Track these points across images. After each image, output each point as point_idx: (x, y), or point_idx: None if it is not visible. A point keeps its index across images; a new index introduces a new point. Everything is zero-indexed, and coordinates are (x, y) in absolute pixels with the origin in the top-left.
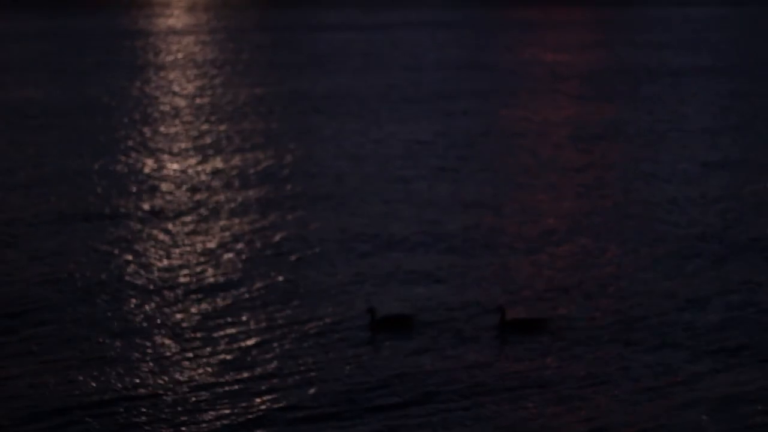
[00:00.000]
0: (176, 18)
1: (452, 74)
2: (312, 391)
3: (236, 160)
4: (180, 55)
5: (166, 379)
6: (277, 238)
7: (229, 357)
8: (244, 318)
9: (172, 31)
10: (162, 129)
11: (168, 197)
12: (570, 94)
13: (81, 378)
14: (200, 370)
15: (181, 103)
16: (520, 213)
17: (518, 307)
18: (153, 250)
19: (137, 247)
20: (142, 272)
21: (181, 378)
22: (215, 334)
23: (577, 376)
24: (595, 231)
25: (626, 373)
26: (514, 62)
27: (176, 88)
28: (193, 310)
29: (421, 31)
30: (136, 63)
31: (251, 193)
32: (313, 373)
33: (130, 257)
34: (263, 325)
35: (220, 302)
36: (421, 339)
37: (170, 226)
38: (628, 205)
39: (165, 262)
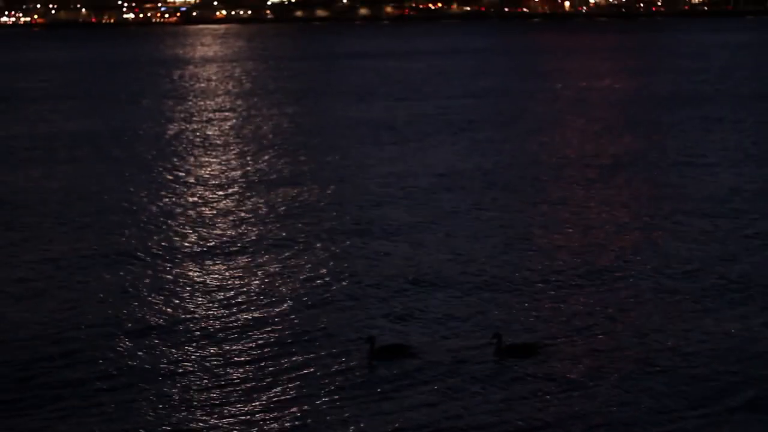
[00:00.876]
0: (212, 46)
1: (483, 101)
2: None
3: (273, 191)
4: (216, 83)
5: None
6: (308, 270)
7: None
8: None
9: (209, 59)
10: (199, 158)
11: (203, 229)
12: (601, 121)
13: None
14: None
15: (216, 131)
16: (543, 245)
17: (516, 334)
18: (183, 285)
19: (173, 283)
20: (184, 309)
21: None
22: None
23: (568, 405)
24: (609, 266)
25: (611, 399)
26: (544, 89)
27: (212, 116)
28: (228, 347)
29: (453, 58)
30: (173, 91)
31: (287, 224)
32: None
33: (172, 293)
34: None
35: (253, 339)
36: (420, 367)
37: (206, 261)
38: (648, 234)
39: (195, 298)
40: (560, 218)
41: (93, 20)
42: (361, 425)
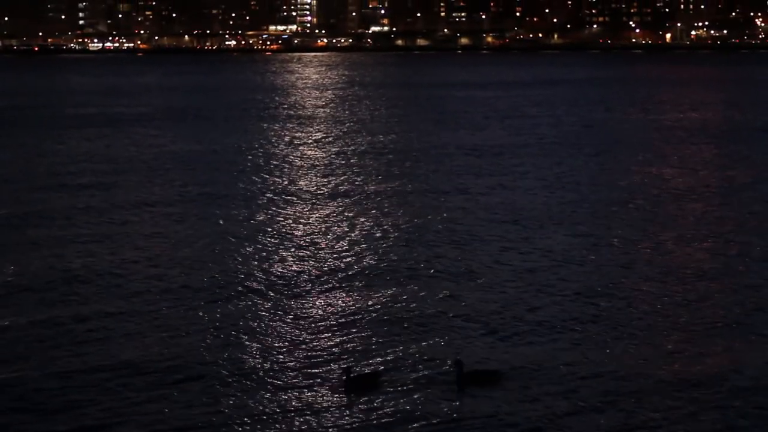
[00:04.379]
0: (313, 73)
1: (578, 131)
2: None
3: (367, 212)
4: (316, 109)
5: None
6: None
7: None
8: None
9: (310, 86)
10: (299, 180)
11: (300, 250)
12: (696, 152)
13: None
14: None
15: (315, 154)
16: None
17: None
18: (277, 313)
19: (272, 313)
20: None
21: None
22: None
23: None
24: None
25: (578, 423)
26: (642, 119)
27: (312, 141)
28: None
29: (552, 88)
30: (273, 116)
31: (375, 256)
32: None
33: (270, 322)
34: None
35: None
36: (390, 394)
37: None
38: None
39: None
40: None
41: (196, 47)
42: None
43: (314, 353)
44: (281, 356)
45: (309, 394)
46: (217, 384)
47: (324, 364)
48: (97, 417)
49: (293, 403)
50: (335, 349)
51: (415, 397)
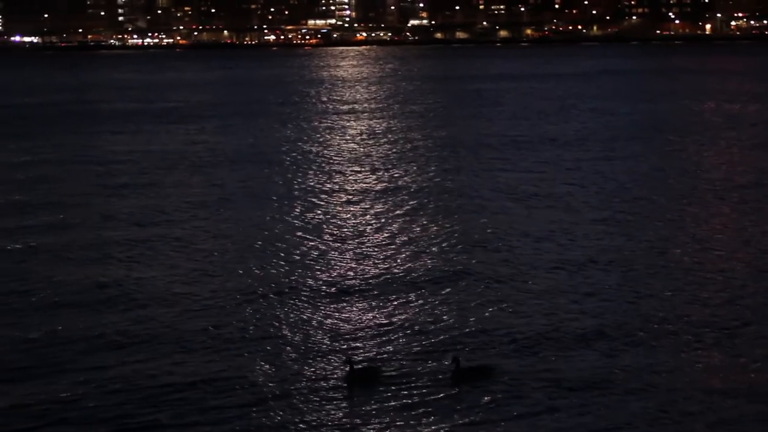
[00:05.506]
0: (353, 67)
1: (617, 121)
2: None
3: (396, 210)
4: (356, 103)
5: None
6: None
7: None
8: None
9: (350, 80)
10: (339, 173)
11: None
12: (735, 140)
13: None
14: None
15: (355, 147)
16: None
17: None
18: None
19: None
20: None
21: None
22: None
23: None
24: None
25: (569, 419)
26: (680, 109)
27: (352, 133)
28: None
29: (592, 80)
30: (313, 109)
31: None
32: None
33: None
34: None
35: None
36: (389, 389)
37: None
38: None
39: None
40: (682, 235)
41: (235, 42)
42: None
43: (319, 345)
44: (288, 347)
45: (312, 383)
46: (219, 356)
47: (328, 355)
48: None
49: (297, 392)
50: (340, 342)
51: (413, 390)
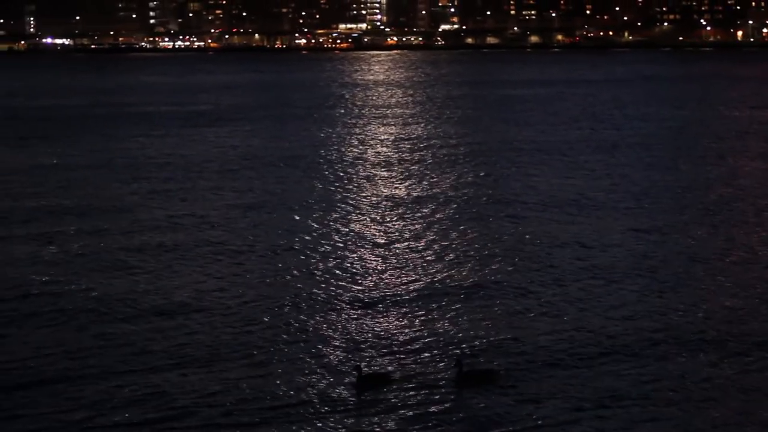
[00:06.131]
0: (383, 71)
1: (646, 127)
2: None
3: (438, 210)
4: (386, 108)
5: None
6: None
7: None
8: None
9: (381, 84)
10: (370, 177)
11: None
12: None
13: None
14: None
15: (385, 152)
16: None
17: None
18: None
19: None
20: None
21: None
22: None
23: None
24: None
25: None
26: (710, 116)
27: (382, 138)
28: None
29: (623, 86)
30: (342, 113)
31: (454, 242)
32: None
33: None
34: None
35: None
36: (397, 393)
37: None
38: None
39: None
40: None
41: (266, 45)
42: None
43: (328, 350)
44: (296, 352)
45: (322, 389)
46: (227, 373)
47: (337, 361)
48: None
49: (307, 398)
50: (350, 347)
51: (420, 395)
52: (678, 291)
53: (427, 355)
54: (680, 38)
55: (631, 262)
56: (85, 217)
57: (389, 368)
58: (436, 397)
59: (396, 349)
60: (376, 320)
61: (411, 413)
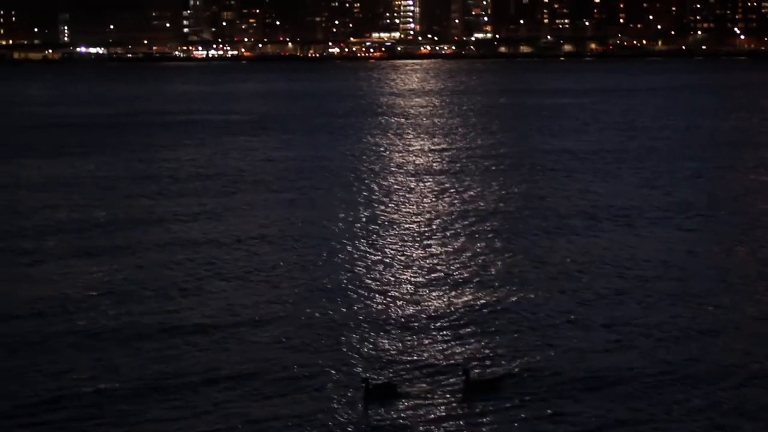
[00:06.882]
0: (413, 80)
1: (676, 136)
2: None
3: (472, 216)
4: (420, 117)
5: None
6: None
7: None
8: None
9: (411, 93)
10: (403, 186)
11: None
12: None
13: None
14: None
15: (413, 161)
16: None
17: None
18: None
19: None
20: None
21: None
22: None
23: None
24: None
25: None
26: (740, 126)
27: (410, 147)
28: None
29: (656, 95)
30: (376, 122)
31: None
32: None
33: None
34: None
35: None
36: (405, 403)
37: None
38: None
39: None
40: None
41: (300, 54)
42: None
43: (335, 362)
44: (308, 365)
45: (330, 400)
46: (238, 389)
47: (345, 373)
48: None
49: (316, 408)
50: (358, 359)
51: (427, 405)
52: (706, 314)
53: (435, 366)
54: (714, 47)
55: (660, 279)
56: (118, 230)
57: (397, 380)
58: (443, 407)
59: (404, 359)
60: (403, 334)
61: (419, 424)
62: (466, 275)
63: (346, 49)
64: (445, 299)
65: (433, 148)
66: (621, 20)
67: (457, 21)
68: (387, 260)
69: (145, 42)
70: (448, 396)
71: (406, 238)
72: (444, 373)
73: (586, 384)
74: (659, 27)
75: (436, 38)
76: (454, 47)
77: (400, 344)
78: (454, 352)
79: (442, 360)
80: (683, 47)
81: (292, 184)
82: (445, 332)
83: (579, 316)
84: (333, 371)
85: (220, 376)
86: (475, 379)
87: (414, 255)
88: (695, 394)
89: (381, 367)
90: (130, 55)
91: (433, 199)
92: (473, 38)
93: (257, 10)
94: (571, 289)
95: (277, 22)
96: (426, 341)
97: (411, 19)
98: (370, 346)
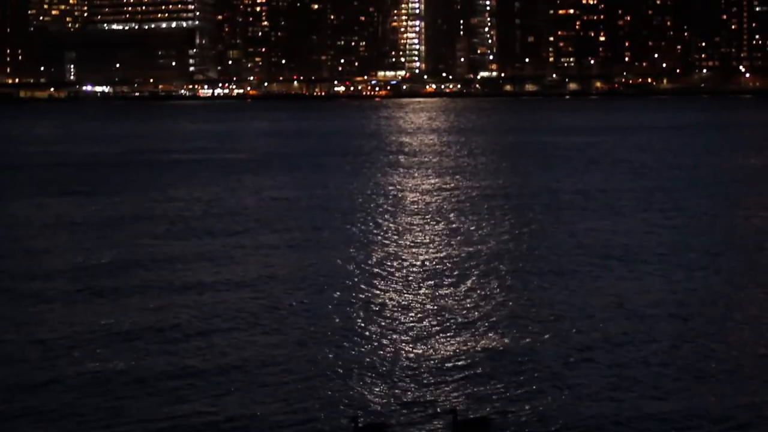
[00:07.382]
0: (418, 119)
1: (684, 175)
2: None
3: (478, 257)
4: (426, 155)
5: None
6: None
7: None
8: None
9: (416, 131)
10: (410, 225)
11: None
12: None
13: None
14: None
15: (418, 199)
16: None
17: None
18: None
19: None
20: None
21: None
22: None
23: None
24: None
25: None
26: (745, 165)
27: (415, 186)
28: None
29: (661, 133)
30: (381, 161)
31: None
32: None
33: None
34: None
35: None
36: None
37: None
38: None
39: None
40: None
41: (305, 93)
42: None
43: (323, 402)
44: (293, 403)
45: None
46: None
47: (332, 413)
48: None
49: None
50: (344, 399)
51: None
52: (711, 358)
53: (424, 405)
54: (719, 85)
55: (664, 320)
56: (123, 271)
57: (384, 419)
58: None
59: (393, 400)
60: (398, 374)
61: None
62: (469, 316)
63: (352, 88)
64: (443, 340)
65: (440, 186)
66: (626, 59)
67: (462, 59)
68: (389, 302)
69: (151, 80)
70: None
71: (410, 279)
72: (433, 413)
73: (581, 428)
74: (664, 65)
75: (441, 76)
76: (459, 85)
77: (393, 384)
78: (445, 392)
79: (431, 400)
80: (689, 85)
81: (298, 223)
82: (438, 373)
83: (578, 358)
84: (323, 411)
85: (219, 420)
86: (463, 418)
87: (416, 296)
88: None
89: (370, 406)
90: (136, 94)
91: (439, 239)
92: (478, 77)
93: (263, 49)
94: (573, 331)
95: (283, 61)
96: (418, 382)
97: (416, 58)
98: (362, 385)
